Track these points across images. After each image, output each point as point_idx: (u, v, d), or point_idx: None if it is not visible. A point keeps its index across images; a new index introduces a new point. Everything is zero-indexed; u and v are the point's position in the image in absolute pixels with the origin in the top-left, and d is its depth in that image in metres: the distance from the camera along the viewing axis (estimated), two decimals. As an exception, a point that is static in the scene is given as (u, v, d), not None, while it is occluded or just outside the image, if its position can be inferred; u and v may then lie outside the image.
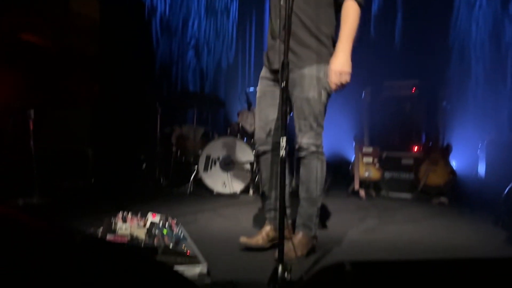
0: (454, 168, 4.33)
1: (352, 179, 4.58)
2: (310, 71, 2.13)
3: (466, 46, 5.54)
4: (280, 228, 1.82)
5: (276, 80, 2.22)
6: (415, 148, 4.73)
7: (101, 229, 2.10)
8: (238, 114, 4.86)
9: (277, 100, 2.22)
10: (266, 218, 2.39)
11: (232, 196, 4.21)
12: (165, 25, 6.46)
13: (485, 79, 5.44)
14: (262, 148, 2.33)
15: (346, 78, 2.10)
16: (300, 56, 2.14)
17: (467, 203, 4.14)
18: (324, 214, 3.38)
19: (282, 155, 1.89)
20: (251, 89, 4.91)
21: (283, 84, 1.86)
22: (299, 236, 2.23)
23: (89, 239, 0.85)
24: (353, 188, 4.54)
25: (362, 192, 4.48)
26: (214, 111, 5.78)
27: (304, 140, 2.19)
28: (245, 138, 4.50)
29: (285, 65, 1.87)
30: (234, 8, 6.63)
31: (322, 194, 2.27)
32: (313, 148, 2.18)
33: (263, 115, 2.28)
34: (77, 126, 4.43)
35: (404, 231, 2.99)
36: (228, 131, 4.74)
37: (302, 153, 2.22)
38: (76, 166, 4.27)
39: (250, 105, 4.68)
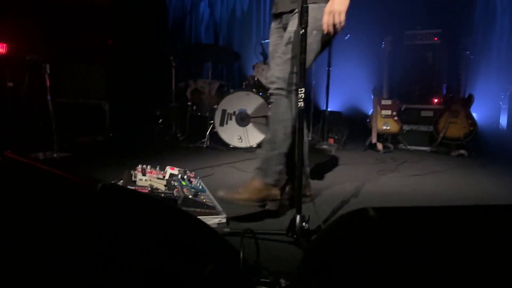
0: (476, 119, 4.22)
1: (369, 132, 4.53)
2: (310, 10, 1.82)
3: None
4: (299, 181, 1.80)
5: (282, 29, 2.12)
6: (436, 100, 4.61)
7: (121, 181, 2.14)
8: (253, 67, 4.76)
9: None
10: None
11: (248, 150, 4.22)
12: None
13: (510, 29, 5.18)
14: (273, 86, 2.06)
15: (338, 18, 1.89)
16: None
17: (488, 154, 4.07)
18: (340, 167, 3.37)
19: (301, 105, 1.84)
20: (266, 41, 4.78)
21: (303, 31, 1.78)
22: (251, 181, 2.01)
23: (110, 188, 0.85)
24: (371, 141, 4.50)
25: (379, 145, 4.43)
26: (229, 64, 5.68)
27: (275, 73, 1.99)
28: (260, 92, 4.44)
29: (304, 11, 1.79)
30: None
31: (287, 139, 2.01)
32: (284, 85, 1.97)
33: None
34: (93, 81, 4.42)
35: (423, 183, 2.97)
36: (244, 84, 4.68)
37: (272, 87, 2.01)
38: (94, 120, 4.31)
39: (266, 58, 4.57)
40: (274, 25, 2.22)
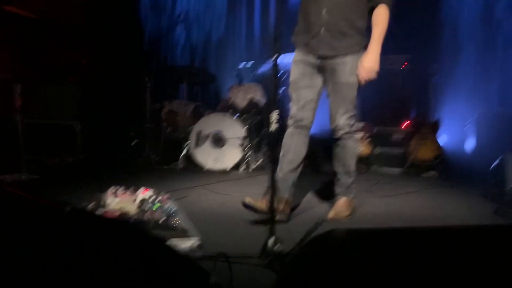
0: (445, 142, 4.35)
1: (343, 154, 4.58)
2: (351, 59, 2.37)
3: (457, 21, 5.50)
4: (271, 201, 1.83)
5: (315, 65, 2.43)
6: (406, 123, 4.74)
7: (91, 204, 2.09)
8: (229, 89, 4.81)
9: (314, 82, 2.46)
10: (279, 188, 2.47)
11: (223, 172, 4.21)
12: (154, 0, 6.30)
13: (476, 54, 5.42)
14: (298, 124, 2.52)
15: (374, 75, 2.37)
16: (341, 46, 2.37)
17: (457, 176, 4.18)
18: (313, 189, 3.40)
19: (274, 129, 1.91)
20: (242, 64, 4.86)
21: (275, 57, 1.90)
22: (341, 201, 2.60)
23: (78, 211, 0.84)
24: (344, 163, 4.55)
25: (352, 167, 4.49)
26: (205, 86, 5.70)
27: (342, 122, 2.44)
28: (236, 114, 4.46)
29: (277, 37, 1.88)
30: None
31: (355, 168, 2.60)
32: (349, 129, 2.47)
33: (301, 96, 2.48)
34: (65, 101, 4.35)
35: (394, 204, 3.02)
36: (220, 106, 4.70)
37: (340, 133, 2.48)
38: (65, 141, 4.22)
39: (241, 80, 4.62)
40: (301, 57, 2.47)
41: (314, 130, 5.57)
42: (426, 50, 5.20)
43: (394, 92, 4.87)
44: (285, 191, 2.50)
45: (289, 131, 2.56)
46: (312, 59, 2.44)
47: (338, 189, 2.64)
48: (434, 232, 0.93)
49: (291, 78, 2.53)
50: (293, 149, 2.53)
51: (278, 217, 2.19)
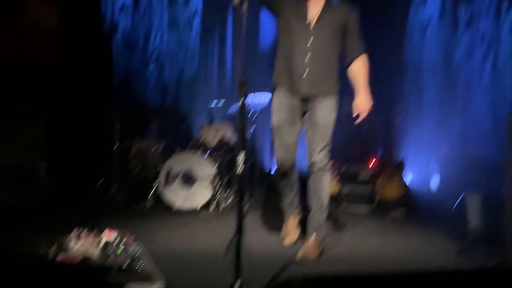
0: (410, 181, 4.48)
1: (312, 193, 4.63)
2: (330, 101, 2.69)
3: (419, 65, 5.81)
4: (237, 249, 1.85)
5: (297, 107, 2.70)
6: (372, 162, 4.87)
7: (53, 249, 2.02)
8: (200, 128, 4.83)
9: (296, 126, 2.75)
10: (286, 213, 2.98)
11: (192, 212, 4.16)
12: (126, 38, 6.37)
13: (437, 96, 5.71)
14: (288, 166, 2.82)
15: (365, 113, 2.72)
16: (322, 87, 2.67)
17: (422, 216, 4.28)
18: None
19: (239, 172, 1.95)
20: (214, 103, 4.92)
21: (242, 100, 1.96)
22: (312, 239, 2.71)
23: (35, 260, 0.82)
24: (313, 202, 4.59)
25: (322, 206, 4.53)
26: (175, 125, 5.71)
27: (320, 158, 2.68)
28: (206, 153, 4.47)
29: (244, 82, 1.94)
30: (196, 22, 6.64)
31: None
32: (325, 164, 2.70)
33: (285, 141, 2.75)
34: (30, 139, 4.25)
35: (362, 244, 3.06)
36: (190, 145, 4.70)
37: (316, 168, 2.70)
38: (28, 182, 4.08)
39: (212, 120, 4.67)
40: (284, 102, 2.72)
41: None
42: (390, 94, 5.45)
43: (361, 131, 5.02)
44: (293, 209, 2.98)
45: (279, 177, 2.88)
46: (294, 101, 2.70)
47: (310, 225, 2.76)
48: (396, 278, 0.96)
49: (275, 122, 2.77)
50: (289, 189, 2.91)
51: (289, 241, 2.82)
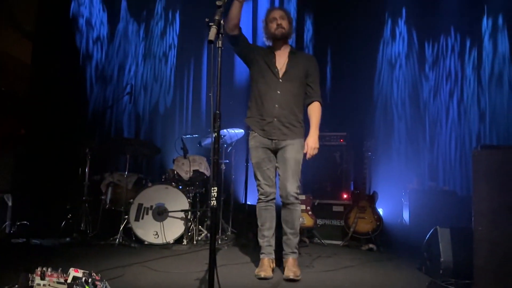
0: (381, 215, 4.54)
1: (286, 226, 4.61)
2: (299, 142, 3.02)
3: (388, 102, 6.00)
4: (210, 283, 1.81)
5: (270, 147, 3.01)
6: (345, 196, 4.92)
7: (16, 287, 1.94)
8: (173, 161, 4.80)
9: (272, 162, 3.05)
10: (263, 253, 3.07)
11: (165, 246, 4.07)
12: (100, 70, 6.35)
13: (406, 132, 5.89)
14: (268, 199, 3.07)
15: (316, 151, 3.03)
16: (289, 133, 2.99)
17: (394, 249, 4.32)
18: (257, 262, 3.36)
19: (214, 204, 1.94)
20: (188, 136, 4.92)
21: (215, 134, 1.99)
22: (292, 260, 3.01)
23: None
24: (287, 236, 4.57)
25: (296, 240, 4.51)
26: (149, 157, 5.65)
27: (293, 190, 2.96)
28: (180, 186, 4.43)
29: (217, 116, 1.96)
30: (172, 55, 6.70)
31: None
32: (297, 196, 2.99)
33: (266, 175, 3.03)
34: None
35: (335, 279, 3.04)
36: (163, 178, 4.65)
37: (290, 200, 2.97)
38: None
39: (186, 152, 4.64)
40: (258, 143, 3.03)
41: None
42: (361, 129, 5.59)
43: (333, 165, 5.09)
44: (271, 253, 3.08)
45: (262, 205, 3.08)
46: (267, 141, 3.01)
47: (287, 249, 3.06)
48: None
49: (254, 160, 3.06)
50: (269, 219, 3.08)
51: (264, 275, 2.88)
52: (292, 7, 6.43)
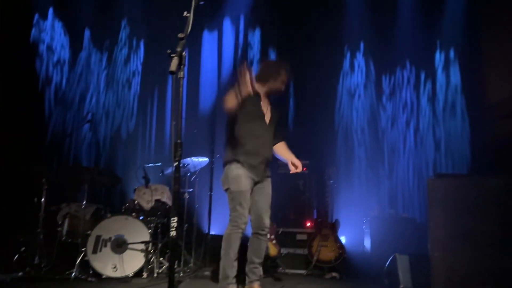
0: (344, 242, 4.58)
1: (250, 256, 4.56)
2: (270, 179, 3.33)
3: (349, 131, 6.18)
4: None
5: (254, 181, 3.19)
6: (308, 224, 4.95)
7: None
8: (134, 191, 4.69)
9: (261, 196, 3.23)
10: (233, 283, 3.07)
11: (124, 280, 3.92)
12: (60, 97, 6.20)
13: (366, 160, 6.04)
14: (244, 228, 3.12)
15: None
16: (269, 170, 3.32)
17: (357, 277, 4.35)
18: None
19: (173, 235, 1.91)
20: (150, 165, 4.84)
21: (176, 163, 1.98)
22: (257, 284, 3.20)
23: None
24: (251, 265, 4.51)
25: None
26: (109, 187, 5.50)
27: (268, 222, 3.22)
28: (141, 216, 4.31)
29: (178, 146, 1.96)
30: (136, 82, 6.64)
31: None
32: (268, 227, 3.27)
33: (248, 204, 3.13)
34: None
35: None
36: (124, 208, 4.51)
37: (264, 231, 3.22)
38: None
39: (148, 181, 4.55)
40: (247, 176, 3.14)
41: (222, 231, 5.54)
42: (323, 157, 5.70)
43: (296, 194, 5.13)
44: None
45: (239, 234, 3.08)
46: (254, 176, 3.18)
47: (253, 277, 3.21)
48: None
49: (243, 188, 3.12)
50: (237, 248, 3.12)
51: None
52: (256, 40, 6.59)
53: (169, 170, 4.88)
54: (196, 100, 6.38)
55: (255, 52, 6.57)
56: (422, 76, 6.10)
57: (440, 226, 2.74)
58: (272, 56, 6.49)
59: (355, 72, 6.34)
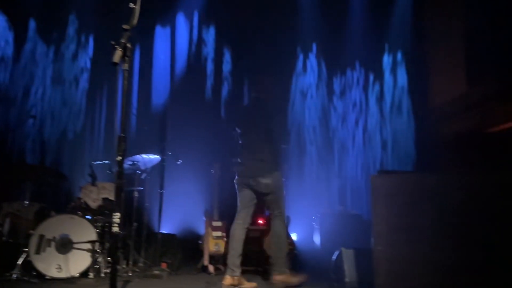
0: (296, 238, 4.66)
1: (202, 254, 4.55)
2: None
3: (301, 129, 6.30)
4: None
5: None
6: (261, 221, 4.99)
7: None
8: (81, 189, 4.54)
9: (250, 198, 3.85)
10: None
11: (69, 281, 3.79)
12: (3, 92, 5.89)
13: (317, 158, 6.19)
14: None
15: None
16: None
17: (307, 271, 4.43)
18: None
19: (115, 231, 1.88)
20: (97, 162, 4.69)
21: (119, 158, 1.93)
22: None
23: None
24: (202, 263, 4.50)
25: (211, 268, 4.46)
26: (54, 185, 5.27)
27: None
28: (87, 215, 4.18)
29: (121, 140, 1.92)
30: (84, 78, 6.41)
31: None
32: None
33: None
34: None
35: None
36: (69, 207, 4.36)
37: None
38: None
39: (95, 179, 4.42)
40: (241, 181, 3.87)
41: (172, 230, 5.47)
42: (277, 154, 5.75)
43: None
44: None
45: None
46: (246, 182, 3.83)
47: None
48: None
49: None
50: None
51: None
52: (210, 37, 6.56)
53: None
54: (148, 96, 6.26)
55: (209, 49, 6.54)
56: (371, 77, 6.33)
57: (382, 221, 2.85)
58: (227, 56, 6.50)
59: (308, 73, 6.47)
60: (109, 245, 4.12)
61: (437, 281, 2.75)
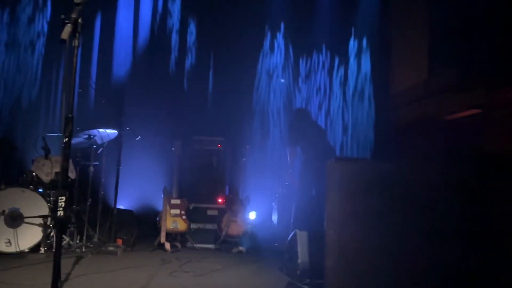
0: (255, 217, 4.72)
1: (159, 231, 4.54)
2: None
3: (266, 111, 6.29)
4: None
5: None
6: (220, 200, 5.01)
7: None
8: (32, 162, 4.36)
9: None
10: None
11: (18, 255, 3.68)
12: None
13: (280, 140, 6.22)
14: None
15: None
16: None
17: (261, 251, 4.53)
18: (121, 271, 3.23)
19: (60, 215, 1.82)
20: (52, 134, 4.51)
21: (66, 139, 1.85)
22: None
23: None
24: (159, 241, 4.49)
25: (167, 245, 4.46)
26: (5, 157, 5.03)
27: None
28: (39, 189, 4.04)
29: (69, 120, 1.84)
30: (40, 43, 6.06)
31: None
32: None
33: None
34: None
35: (201, 284, 3.07)
36: (21, 180, 4.19)
37: None
38: None
39: (48, 152, 4.25)
40: None
41: (129, 206, 5.38)
42: (238, 134, 5.76)
43: (210, 170, 5.15)
44: None
45: None
46: None
47: None
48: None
49: None
50: None
51: None
52: (176, 9, 6.35)
53: (74, 141, 4.59)
54: (109, 68, 6.02)
55: (174, 21, 6.33)
56: (336, 62, 6.34)
57: (335, 206, 2.91)
58: (192, 27, 6.32)
59: (275, 53, 6.42)
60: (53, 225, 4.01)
61: (385, 265, 2.86)
